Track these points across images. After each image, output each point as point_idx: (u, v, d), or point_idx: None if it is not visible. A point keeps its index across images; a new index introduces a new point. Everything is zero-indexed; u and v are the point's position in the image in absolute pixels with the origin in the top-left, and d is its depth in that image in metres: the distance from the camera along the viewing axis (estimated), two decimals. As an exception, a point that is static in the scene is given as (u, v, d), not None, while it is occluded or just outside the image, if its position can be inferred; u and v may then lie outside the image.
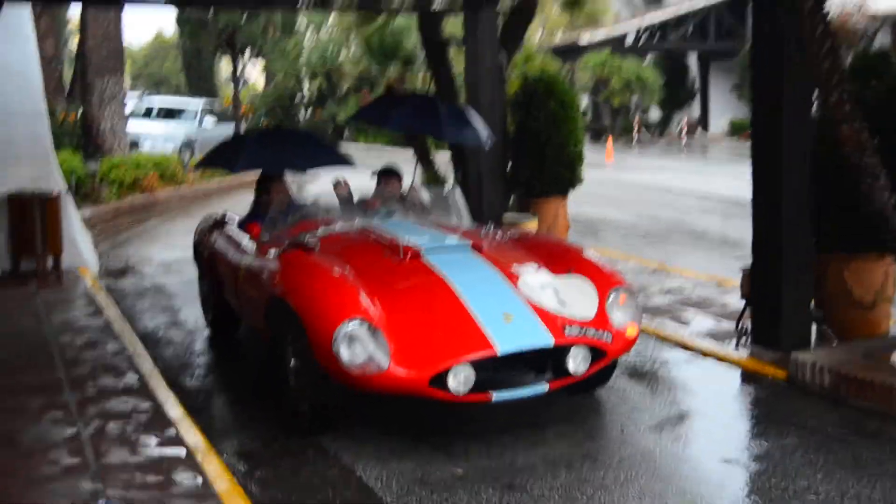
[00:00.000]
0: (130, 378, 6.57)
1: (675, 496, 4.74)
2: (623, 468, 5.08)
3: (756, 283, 7.20)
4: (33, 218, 10.53)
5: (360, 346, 5.08)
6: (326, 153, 8.73)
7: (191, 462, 5.03)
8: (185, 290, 10.12)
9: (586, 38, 33.59)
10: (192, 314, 8.97)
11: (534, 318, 5.45)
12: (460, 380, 5.08)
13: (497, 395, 5.25)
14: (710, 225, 14.42)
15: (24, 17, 11.14)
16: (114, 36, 17.84)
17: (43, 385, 6.44)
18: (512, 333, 5.31)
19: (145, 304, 9.73)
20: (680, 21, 34.30)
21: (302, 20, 37.91)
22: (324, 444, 5.49)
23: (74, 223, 11.38)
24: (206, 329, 8.34)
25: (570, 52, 32.81)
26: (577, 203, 12.65)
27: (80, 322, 8.33)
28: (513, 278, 5.79)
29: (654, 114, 37.78)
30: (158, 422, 5.66)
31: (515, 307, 5.50)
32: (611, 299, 5.78)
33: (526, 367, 5.45)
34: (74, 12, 30.61)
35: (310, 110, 38.57)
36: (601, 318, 5.66)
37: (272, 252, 6.46)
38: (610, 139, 29.47)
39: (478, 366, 5.16)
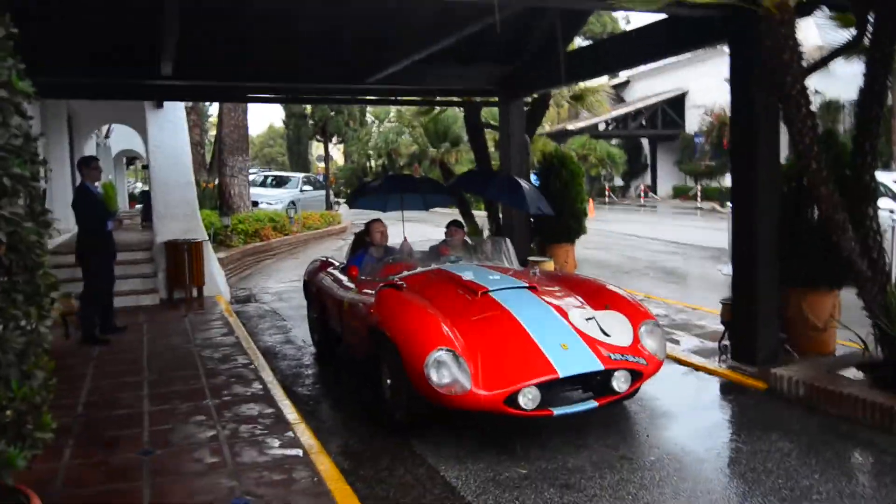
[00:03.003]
0: (256, 387, 5.90)
1: (703, 495, 4.01)
2: (656, 469, 4.34)
3: (736, 312, 6.47)
4: (184, 259, 10.01)
5: (446, 370, 4.44)
6: (438, 192, 8.37)
7: (306, 461, 4.35)
8: (294, 314, 9.52)
9: (571, 126, 33.03)
10: (300, 333, 8.32)
11: (585, 346, 4.75)
12: (529, 399, 4.43)
13: (558, 411, 4.54)
14: (675, 263, 13.64)
15: (179, 112, 10.72)
16: (242, 126, 17.42)
17: (190, 392, 5.79)
18: (569, 360, 4.62)
19: (265, 325, 9.08)
20: (637, 114, 33.66)
21: (370, 115, 37.63)
22: (411, 445, 4.79)
23: (213, 262, 10.84)
24: (311, 347, 7.66)
25: (560, 136, 32.06)
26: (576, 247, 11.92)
27: (217, 339, 7.68)
28: (563, 313, 5.08)
29: (618, 181, 37.09)
30: (279, 425, 4.98)
31: (570, 338, 4.79)
32: (642, 330, 5.07)
33: (576, 386, 4.75)
34: (213, 109, 30.49)
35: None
36: (636, 346, 4.96)
37: (369, 290, 5.77)
38: (591, 200, 28.68)
39: (541, 387, 4.48)
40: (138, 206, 19.82)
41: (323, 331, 7.10)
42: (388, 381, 5.09)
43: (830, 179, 5.18)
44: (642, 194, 34.44)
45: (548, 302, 5.23)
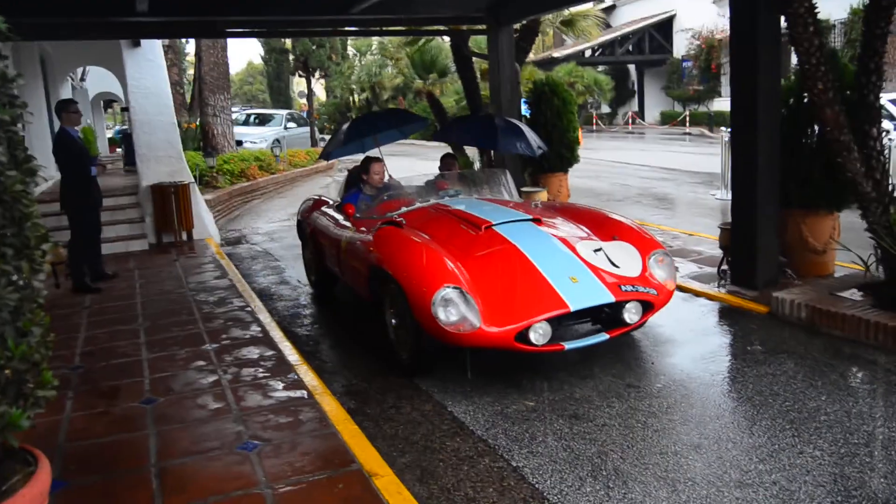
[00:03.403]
0: (254, 329, 5.84)
1: (712, 420, 4.00)
2: (663, 396, 4.34)
3: (735, 236, 6.42)
4: (171, 202, 9.84)
5: (454, 308, 4.28)
6: (409, 121, 8.04)
7: (311, 402, 4.31)
8: (286, 254, 9.42)
9: (557, 53, 32.45)
10: (294, 273, 8.23)
11: (595, 279, 4.61)
12: (540, 334, 4.32)
13: (569, 345, 4.45)
14: (667, 189, 13.55)
15: (156, 50, 10.34)
16: (222, 63, 16.92)
17: (187, 337, 5.72)
18: (580, 293, 4.48)
19: (258, 266, 8.96)
20: (624, 39, 33.08)
21: (351, 48, 36.70)
22: (416, 382, 4.76)
23: (201, 204, 10.65)
24: (306, 287, 7.56)
25: (546, 64, 31.55)
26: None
27: (211, 283, 7.58)
28: (570, 245, 4.93)
29: (605, 109, 36.63)
30: (281, 367, 4.93)
31: (579, 270, 4.65)
32: (651, 260, 4.94)
33: (584, 319, 4.65)
34: (190, 48, 29.71)
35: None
36: (646, 276, 4.84)
37: (368, 228, 5.57)
38: (579, 128, 28.35)
39: (551, 321, 4.38)
40: (119, 150, 19.43)
41: (320, 271, 6.95)
42: (393, 321, 4.98)
43: (836, 100, 5.04)
44: (630, 121, 34.08)
45: (554, 234, 5.08)
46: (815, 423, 3.89)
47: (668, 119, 32.08)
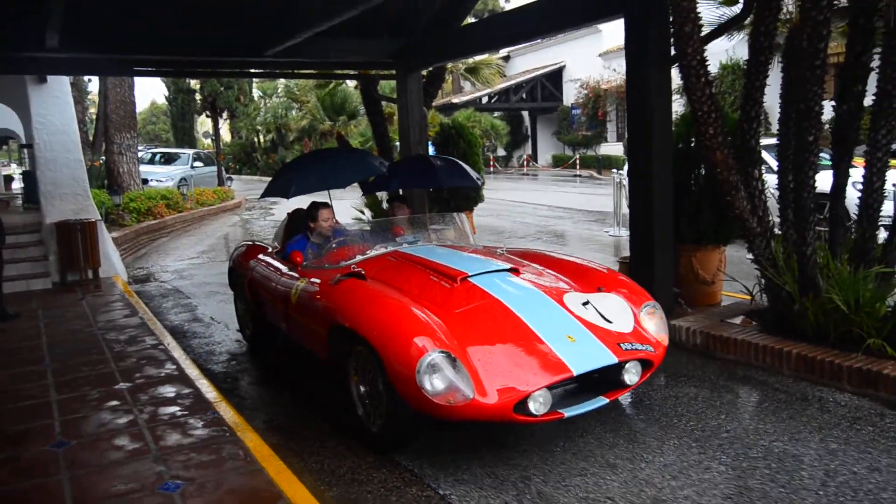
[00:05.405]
0: (169, 367, 5.56)
1: (625, 442, 4.07)
2: (577, 421, 4.32)
3: (633, 269, 6.62)
4: (77, 240, 9.31)
5: (441, 376, 3.55)
6: (363, 165, 6.76)
7: (234, 439, 4.12)
8: (197, 291, 9.08)
9: (456, 99, 33.09)
10: (207, 310, 7.94)
11: (593, 337, 4.01)
12: (540, 403, 3.66)
13: (568, 412, 3.80)
14: (564, 227, 13.92)
15: (64, 86, 9.87)
16: (128, 101, 16.28)
17: (99, 377, 5.38)
18: (580, 354, 3.86)
19: (169, 304, 8.57)
20: (517, 88, 34.08)
21: (256, 90, 36.22)
22: (339, 417, 4.61)
23: (107, 242, 10.14)
24: (220, 323, 7.27)
25: (446, 109, 32.12)
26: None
27: (121, 321, 7.19)
28: (557, 299, 4.27)
29: (501, 152, 37.53)
30: (200, 405, 4.70)
31: (573, 328, 4.03)
32: (643, 313, 4.40)
33: (574, 381, 3.99)
34: (93, 86, 28.58)
35: (265, 156, 36.92)
36: (641, 332, 4.28)
37: (321, 279, 4.74)
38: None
39: (550, 387, 3.76)
40: (15, 188, 18.35)
41: (257, 325, 6.13)
42: (362, 388, 4.18)
43: (725, 144, 5.33)
44: (525, 163, 35.01)
45: (537, 286, 4.42)
46: (718, 440, 4.02)
47: (559, 162, 33.16)
